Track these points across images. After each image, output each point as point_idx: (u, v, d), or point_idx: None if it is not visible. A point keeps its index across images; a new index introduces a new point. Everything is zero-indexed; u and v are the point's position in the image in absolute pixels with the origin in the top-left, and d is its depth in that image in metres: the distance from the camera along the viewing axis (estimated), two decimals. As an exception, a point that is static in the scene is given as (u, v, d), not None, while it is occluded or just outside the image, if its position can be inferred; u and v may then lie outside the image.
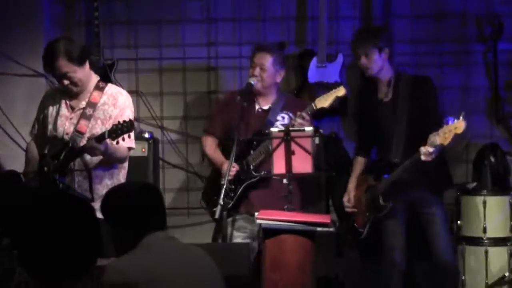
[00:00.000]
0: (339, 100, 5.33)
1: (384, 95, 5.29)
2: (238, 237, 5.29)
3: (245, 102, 5.26)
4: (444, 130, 4.80)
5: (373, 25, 5.27)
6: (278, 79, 5.51)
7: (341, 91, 5.26)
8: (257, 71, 5.44)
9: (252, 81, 5.34)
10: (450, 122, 4.83)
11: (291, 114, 5.47)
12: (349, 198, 5.40)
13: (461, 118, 4.83)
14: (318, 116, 6.20)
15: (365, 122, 5.43)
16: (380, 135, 5.31)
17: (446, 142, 4.83)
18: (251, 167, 5.22)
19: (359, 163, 5.51)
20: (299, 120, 5.19)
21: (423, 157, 4.88)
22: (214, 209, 5.03)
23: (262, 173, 5.26)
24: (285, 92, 5.46)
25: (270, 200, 5.19)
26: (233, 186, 5.31)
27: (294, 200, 5.04)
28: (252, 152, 5.38)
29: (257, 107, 5.55)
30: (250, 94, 5.44)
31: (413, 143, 5.10)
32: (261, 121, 5.45)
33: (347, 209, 5.42)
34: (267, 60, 5.44)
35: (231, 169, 5.19)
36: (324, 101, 5.26)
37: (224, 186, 4.82)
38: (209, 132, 5.68)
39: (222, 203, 4.74)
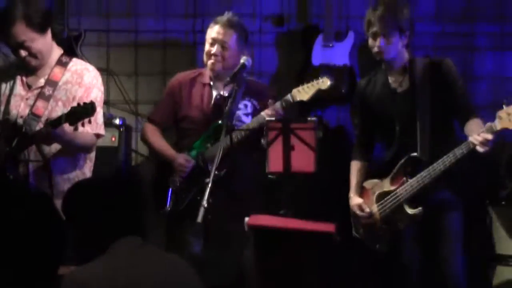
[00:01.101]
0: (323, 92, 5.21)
1: (398, 85, 5.19)
2: (197, 245, 5.21)
3: (237, 87, 5.15)
4: (508, 111, 4.68)
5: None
6: (241, 60, 5.28)
7: (325, 84, 5.15)
8: (217, 48, 5.33)
9: (246, 61, 5.18)
10: None
11: (255, 102, 5.41)
12: (359, 205, 5.28)
13: None
14: (321, 105, 6.18)
15: (371, 118, 5.31)
16: (396, 131, 5.21)
17: (507, 126, 4.69)
18: (211, 165, 5.03)
19: (360, 168, 5.39)
20: (268, 112, 5.10)
21: (480, 148, 4.75)
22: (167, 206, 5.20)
23: (225, 171, 5.11)
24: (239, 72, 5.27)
25: (236, 208, 5.13)
26: (184, 187, 5.26)
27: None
28: (209, 146, 5.28)
29: (214, 93, 5.42)
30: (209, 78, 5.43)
31: (440, 138, 5.07)
32: (219, 109, 5.27)
33: (360, 215, 5.28)
34: (231, 37, 5.35)
35: (184, 164, 5.24)
36: (304, 94, 5.15)
37: (209, 185, 4.71)
38: (150, 120, 5.60)
39: (205, 205, 4.65)
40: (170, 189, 5.26)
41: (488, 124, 4.70)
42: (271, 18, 6.66)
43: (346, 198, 5.43)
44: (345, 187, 5.34)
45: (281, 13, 6.61)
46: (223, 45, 5.31)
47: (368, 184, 5.28)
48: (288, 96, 5.13)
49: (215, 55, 5.31)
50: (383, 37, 5.02)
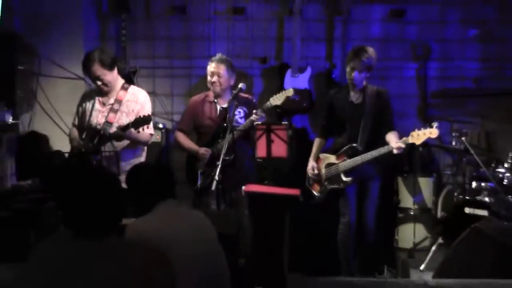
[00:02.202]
0: (290, 99, 5.15)
1: (355, 99, 5.19)
2: (214, 205, 5.18)
3: (236, 102, 5.14)
4: (418, 133, 4.77)
5: (365, 48, 5.16)
6: (232, 82, 5.37)
7: (290, 92, 5.08)
8: (215, 78, 5.32)
9: (243, 86, 5.16)
10: (422, 128, 4.80)
11: (245, 108, 5.34)
12: (313, 167, 5.31)
13: (434, 126, 4.81)
14: (290, 114, 6.18)
15: (334, 115, 5.31)
16: (347, 127, 5.21)
17: (418, 142, 4.81)
18: (221, 152, 5.01)
19: (320, 143, 5.41)
20: (255, 116, 5.04)
21: (395, 151, 4.84)
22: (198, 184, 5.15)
23: (232, 156, 5.04)
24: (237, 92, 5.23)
25: (237, 179, 5.05)
26: (207, 169, 5.19)
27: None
28: (219, 141, 5.18)
29: (218, 107, 5.39)
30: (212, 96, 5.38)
31: (373, 136, 5.10)
32: (223, 117, 5.26)
33: (311, 175, 5.31)
34: (222, 69, 5.32)
35: (205, 153, 5.21)
36: (278, 100, 5.08)
37: (219, 166, 4.70)
38: (181, 129, 5.50)
39: (217, 178, 4.64)
40: (199, 172, 5.24)
41: (404, 138, 4.81)
42: (258, 58, 6.62)
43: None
44: (306, 167, 5.34)
45: (265, 55, 6.58)
46: (218, 75, 5.31)
47: (322, 155, 5.29)
48: (268, 103, 5.08)
49: (214, 82, 5.32)
50: (356, 71, 5.04)
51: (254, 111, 5.10)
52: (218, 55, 5.44)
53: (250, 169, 5.41)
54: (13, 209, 4.85)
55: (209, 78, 5.36)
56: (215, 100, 5.40)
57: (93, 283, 2.29)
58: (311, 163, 5.30)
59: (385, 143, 4.93)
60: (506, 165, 5.50)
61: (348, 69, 5.09)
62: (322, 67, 6.55)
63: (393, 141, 4.86)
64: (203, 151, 5.26)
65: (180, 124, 5.56)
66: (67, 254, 2.34)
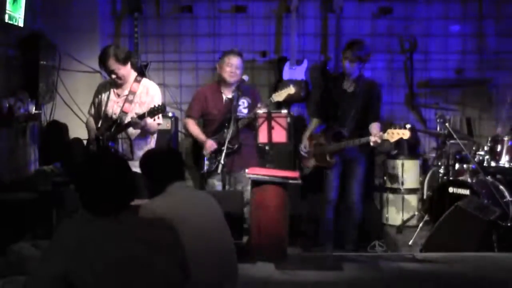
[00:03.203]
0: (291, 96, 5.08)
1: (348, 88, 5.19)
2: (219, 186, 5.15)
3: (240, 93, 5.09)
4: (393, 131, 4.77)
5: (357, 40, 5.17)
6: (242, 77, 5.18)
7: (291, 90, 5.00)
8: (233, 69, 5.20)
9: (245, 77, 5.14)
10: (397, 128, 4.83)
11: (248, 99, 5.27)
12: (305, 145, 5.33)
13: (407, 128, 4.94)
14: (289, 103, 6.14)
15: (328, 100, 5.29)
16: (338, 112, 5.20)
17: (392, 140, 4.84)
18: (226, 141, 4.96)
19: (315, 123, 5.43)
20: (258, 110, 4.94)
21: (372, 144, 4.88)
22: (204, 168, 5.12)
23: (235, 146, 5.06)
24: (241, 83, 5.19)
25: (241, 163, 5.04)
26: (214, 155, 5.13)
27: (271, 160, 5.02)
28: (226, 130, 5.08)
29: (224, 97, 5.28)
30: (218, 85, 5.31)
31: (360, 124, 5.13)
32: (229, 107, 5.16)
33: (302, 153, 5.34)
34: (240, 61, 5.23)
35: (211, 147, 5.13)
36: (279, 96, 4.99)
37: (224, 150, 4.68)
38: (190, 116, 5.40)
39: (222, 162, 4.62)
40: (205, 157, 5.19)
41: (380, 133, 4.84)
42: (258, 52, 6.59)
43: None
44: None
45: (265, 50, 6.54)
46: (236, 67, 5.20)
47: (314, 135, 5.35)
48: (270, 98, 5.04)
49: (232, 72, 5.18)
50: (350, 62, 5.03)
51: (258, 105, 5.04)
52: (235, 50, 5.35)
53: (253, 155, 5.36)
54: (38, 191, 4.86)
55: (228, 69, 5.20)
56: (221, 91, 5.31)
57: (110, 257, 2.29)
58: (304, 141, 5.32)
59: (368, 132, 4.95)
60: (486, 148, 5.50)
61: (342, 59, 5.12)
62: (317, 60, 6.54)
63: (373, 133, 4.89)
64: (209, 144, 5.15)
65: (189, 111, 5.47)
66: (87, 232, 2.33)
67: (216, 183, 5.16)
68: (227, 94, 5.28)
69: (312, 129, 5.39)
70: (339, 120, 5.18)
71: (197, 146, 5.31)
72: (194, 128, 5.34)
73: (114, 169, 2.44)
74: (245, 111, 5.24)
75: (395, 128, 4.80)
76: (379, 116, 5.14)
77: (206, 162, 5.16)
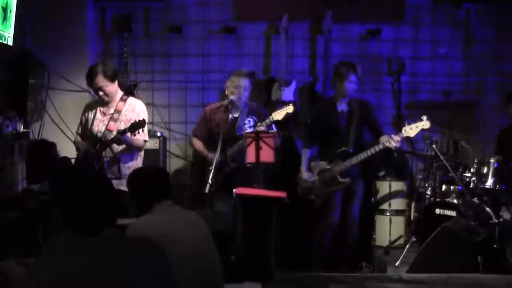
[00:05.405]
0: (290, 114, 5.12)
1: (343, 108, 5.28)
2: (218, 206, 5.17)
3: (226, 112, 5.14)
4: (411, 126, 4.82)
5: (355, 64, 5.26)
6: (230, 97, 5.23)
7: (290, 108, 5.07)
8: (242, 90, 5.23)
9: (233, 97, 5.19)
10: (412, 123, 4.88)
11: (255, 118, 5.31)
12: (308, 176, 5.32)
13: (424, 119, 4.91)
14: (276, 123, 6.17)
15: (322, 125, 5.34)
16: (336, 134, 5.26)
17: (412, 135, 4.94)
18: (229, 159, 5.00)
19: (310, 153, 5.45)
20: (259, 128, 5.00)
21: (394, 143, 4.92)
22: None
23: (235, 164, 5.12)
24: (249, 102, 5.28)
25: (242, 182, 5.04)
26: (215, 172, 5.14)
27: (261, 180, 5.05)
28: (229, 148, 5.18)
29: (230, 116, 5.30)
30: (228, 106, 5.28)
31: (359, 140, 5.26)
32: (233, 126, 5.23)
33: (307, 185, 5.32)
34: (247, 82, 5.28)
35: (214, 161, 5.09)
36: (279, 115, 5.06)
37: (212, 171, 4.70)
38: (196, 135, 5.50)
39: (210, 182, 4.64)
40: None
41: (399, 134, 4.95)
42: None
43: (292, 177, 5.47)
44: (291, 170, 5.35)
45: (253, 70, 6.56)
46: (244, 88, 5.24)
47: (312, 164, 5.36)
48: (270, 117, 5.08)
49: (240, 93, 5.21)
50: (351, 83, 5.16)
51: (258, 123, 5.08)
52: (243, 70, 5.39)
53: (258, 173, 5.30)
54: (25, 210, 4.84)
55: (236, 90, 5.22)
56: (228, 110, 5.26)
57: (96, 274, 2.29)
58: (306, 173, 5.31)
59: (369, 146, 5.02)
60: (472, 170, 5.55)
61: (343, 82, 5.15)
62: (306, 81, 6.59)
63: (389, 139, 4.95)
64: (210, 156, 5.11)
65: (195, 130, 5.56)
66: (72, 250, 2.33)
67: (216, 204, 5.19)
68: (234, 113, 5.31)
69: (307, 160, 5.41)
70: (339, 140, 5.22)
71: (197, 167, 5.32)
72: (198, 144, 5.42)
73: (94, 187, 2.44)
74: (251, 130, 5.22)
75: (409, 124, 4.87)
76: (382, 130, 5.27)
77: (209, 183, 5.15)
